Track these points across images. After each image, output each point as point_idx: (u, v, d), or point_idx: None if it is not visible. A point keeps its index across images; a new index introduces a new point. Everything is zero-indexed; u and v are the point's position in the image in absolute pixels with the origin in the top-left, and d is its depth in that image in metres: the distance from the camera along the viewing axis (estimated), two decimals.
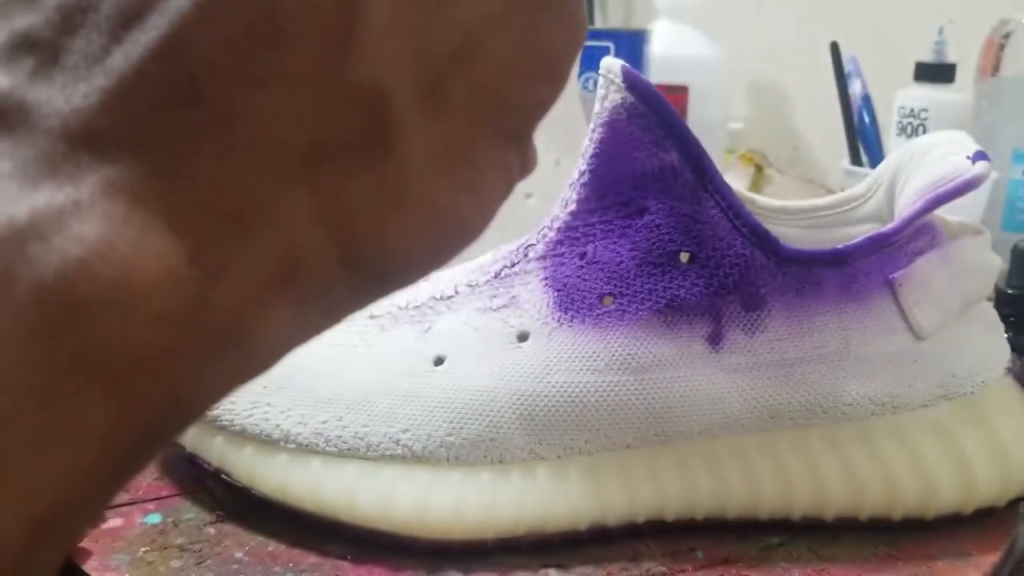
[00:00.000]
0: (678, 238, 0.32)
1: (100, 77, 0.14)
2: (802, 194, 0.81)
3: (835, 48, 0.74)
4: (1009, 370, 0.35)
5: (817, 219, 0.40)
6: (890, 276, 0.33)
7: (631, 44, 0.79)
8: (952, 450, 0.34)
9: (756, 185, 0.83)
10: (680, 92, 0.83)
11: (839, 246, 0.33)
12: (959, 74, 0.76)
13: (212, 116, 0.14)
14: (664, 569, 0.32)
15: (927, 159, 0.36)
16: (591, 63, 0.33)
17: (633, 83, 0.33)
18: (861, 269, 0.33)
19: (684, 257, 0.32)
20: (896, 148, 0.76)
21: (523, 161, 0.19)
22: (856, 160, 0.75)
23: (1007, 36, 0.70)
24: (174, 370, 0.14)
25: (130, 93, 0.14)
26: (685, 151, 0.33)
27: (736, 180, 0.83)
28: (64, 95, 0.14)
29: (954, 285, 0.34)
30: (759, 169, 0.84)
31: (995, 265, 0.36)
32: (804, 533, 0.34)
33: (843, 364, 0.33)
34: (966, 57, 0.77)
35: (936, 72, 0.75)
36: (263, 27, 0.14)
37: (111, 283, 0.13)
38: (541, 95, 0.18)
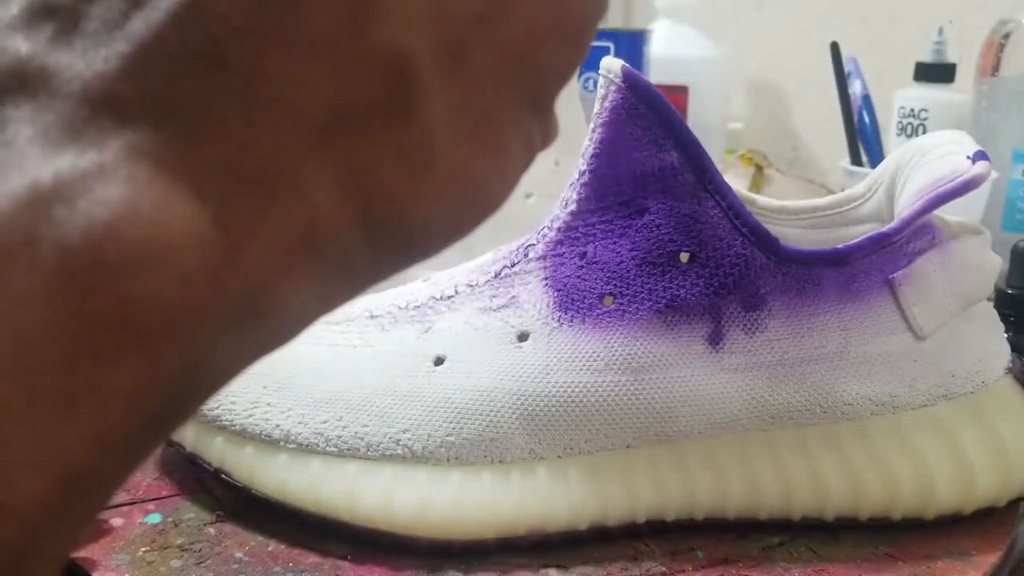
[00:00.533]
0: (678, 238, 0.32)
1: (121, 42, 0.14)
2: (802, 194, 0.81)
3: (835, 48, 0.74)
4: (1009, 370, 0.35)
5: (817, 219, 0.40)
6: (890, 276, 0.33)
7: (631, 44, 0.79)
8: (952, 450, 0.34)
9: (756, 185, 0.83)
10: (680, 92, 0.83)
11: (839, 246, 0.33)
12: (959, 74, 0.76)
13: (234, 81, 0.14)
14: (664, 569, 0.32)
15: (927, 159, 0.36)
16: (591, 63, 0.33)
17: (633, 83, 0.33)
18: (861, 269, 0.33)
19: (684, 257, 0.32)
20: (896, 148, 0.76)
21: (544, 130, 0.19)
22: (856, 160, 0.75)
23: (1007, 36, 0.70)
24: (199, 333, 0.14)
25: (151, 58, 0.14)
26: (685, 151, 0.33)
27: (736, 180, 0.83)
28: (85, 60, 0.14)
29: (954, 285, 0.34)
30: (759, 169, 0.84)
31: (995, 265, 0.36)
32: (804, 533, 0.34)
33: (843, 364, 0.33)
34: (966, 57, 0.77)
35: (936, 72, 0.75)
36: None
37: (136, 244, 0.13)
38: (564, 60, 0.18)
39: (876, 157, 0.76)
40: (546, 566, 0.32)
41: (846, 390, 0.33)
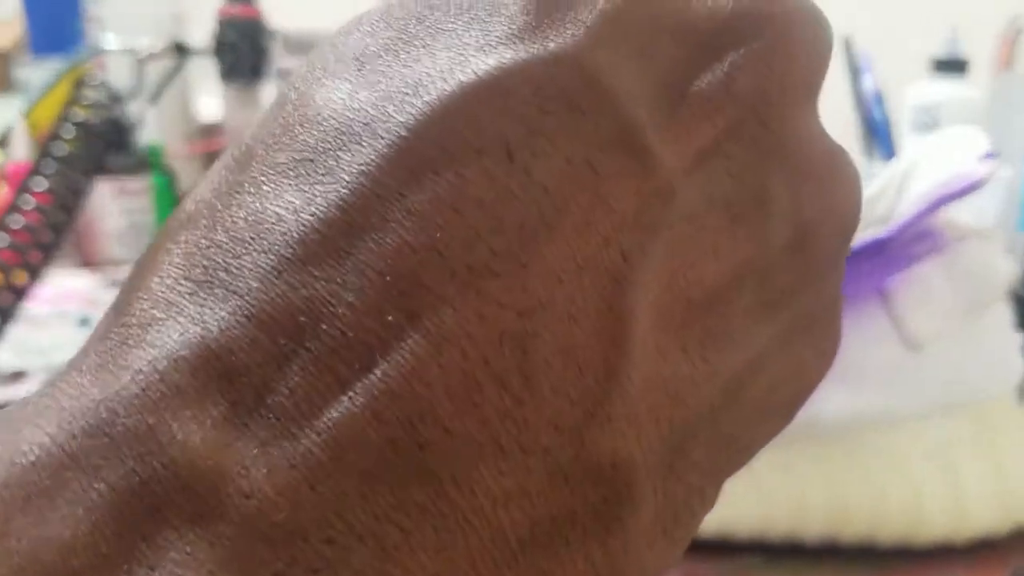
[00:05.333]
0: None
1: (311, 439, 0.11)
2: None
3: (847, 44, 0.73)
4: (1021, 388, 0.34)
5: None
6: (884, 282, 0.32)
7: None
8: (945, 471, 0.32)
9: None
10: None
11: None
12: (973, 70, 0.74)
13: (434, 497, 0.11)
14: None
15: (935, 159, 0.34)
16: None
17: None
18: (853, 274, 0.31)
19: None
20: (909, 144, 0.75)
21: None
22: (868, 156, 0.74)
23: (1020, 31, 0.69)
24: None
25: (347, 465, 0.11)
26: None
27: None
28: (265, 462, 0.11)
29: (956, 293, 0.33)
30: None
31: (1005, 272, 0.34)
32: (786, 555, 0.33)
33: (832, 378, 0.31)
34: (980, 53, 0.75)
35: (950, 68, 0.74)
36: (511, 379, 0.12)
37: None
38: (775, 431, 0.16)
39: (889, 153, 0.74)
40: None
41: (832, 402, 0.32)
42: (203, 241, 0.12)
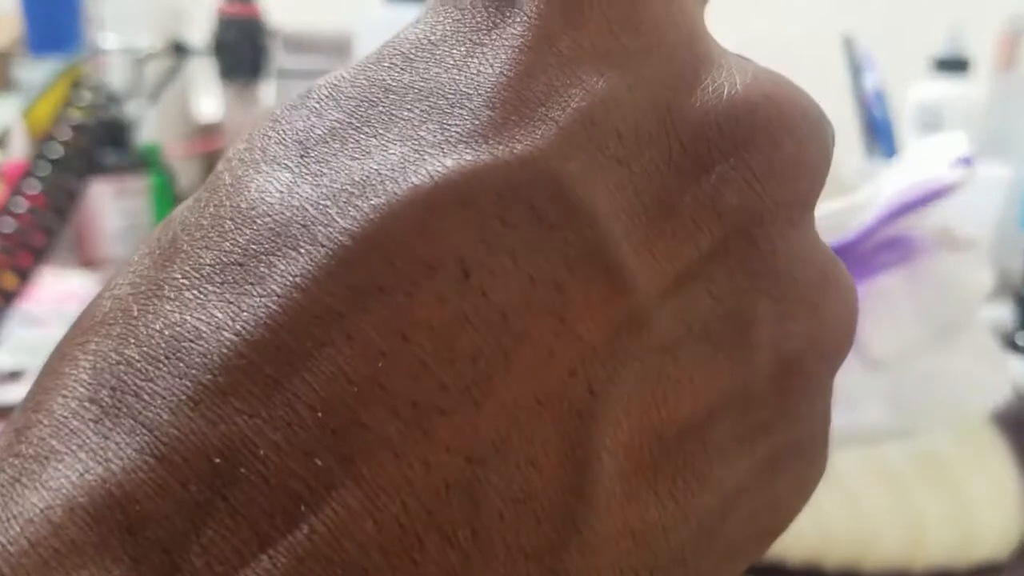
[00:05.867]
0: None
1: None
2: None
3: (849, 43, 0.73)
4: (999, 416, 0.31)
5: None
6: None
7: None
8: (898, 498, 0.30)
9: None
10: None
11: None
12: (974, 69, 0.74)
13: None
14: None
15: (914, 164, 0.33)
16: None
17: None
18: None
19: None
20: (910, 143, 0.75)
21: None
22: (870, 156, 0.73)
23: (1022, 31, 0.68)
24: None
25: None
26: None
27: None
28: None
29: (924, 307, 0.31)
30: None
31: (980, 285, 0.32)
32: None
33: None
34: (982, 52, 0.75)
35: (951, 67, 0.73)
36: (457, 533, 0.10)
37: None
38: (750, 562, 0.14)
39: (890, 153, 0.74)
40: None
41: None
42: (113, 355, 0.11)
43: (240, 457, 0.10)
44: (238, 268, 0.11)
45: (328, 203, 0.11)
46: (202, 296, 0.11)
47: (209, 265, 0.11)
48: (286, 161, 0.11)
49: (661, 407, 0.12)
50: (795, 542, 0.30)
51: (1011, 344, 0.54)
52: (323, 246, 0.10)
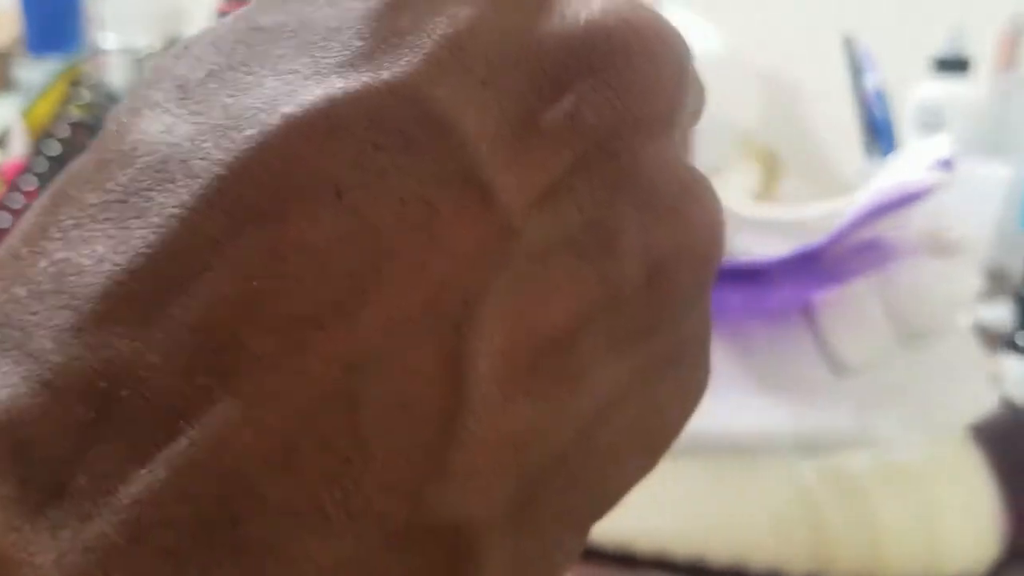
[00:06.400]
0: None
1: (109, 520, 0.10)
2: (813, 192, 0.79)
3: (849, 43, 0.73)
4: (978, 428, 0.30)
5: (807, 230, 0.34)
6: (809, 297, 0.29)
7: None
8: (859, 509, 0.29)
9: (767, 183, 0.82)
10: None
11: (752, 259, 0.30)
12: (975, 69, 0.74)
13: (250, 572, 0.10)
14: None
15: (897, 166, 0.32)
16: None
17: None
18: (775, 287, 0.29)
19: None
20: (911, 144, 0.75)
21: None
22: (871, 156, 0.73)
23: (1022, 30, 0.68)
24: None
25: (147, 547, 0.10)
26: None
27: (745, 178, 0.81)
28: (55, 547, 0.10)
29: (894, 314, 0.30)
30: (769, 167, 0.82)
31: (959, 293, 0.31)
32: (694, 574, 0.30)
33: (741, 391, 0.29)
34: (982, 52, 0.75)
35: (952, 67, 0.73)
36: (337, 440, 0.11)
37: None
38: (639, 474, 0.15)
39: (891, 153, 0.74)
40: None
41: (739, 420, 0.29)
42: (1, 296, 0.11)
43: (122, 380, 0.10)
44: (120, 205, 0.11)
45: (205, 138, 0.11)
46: (86, 233, 0.11)
47: (92, 205, 0.11)
48: (167, 104, 0.12)
49: (534, 314, 0.12)
50: (752, 546, 0.30)
51: (1011, 344, 0.54)
52: (199, 178, 0.11)
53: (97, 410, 0.10)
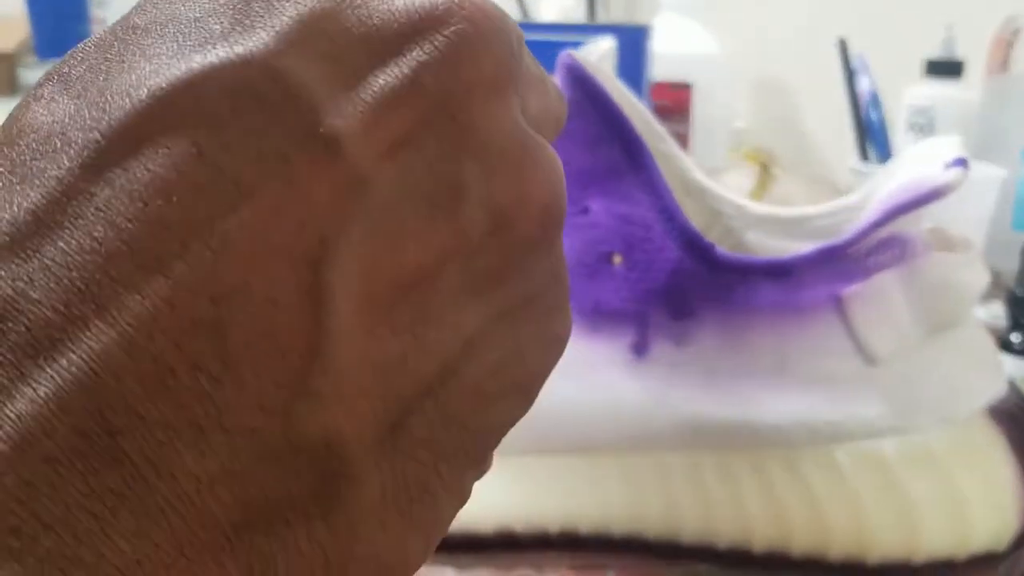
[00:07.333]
0: (611, 239, 0.31)
1: None
2: (809, 193, 0.79)
3: (843, 45, 0.73)
4: (993, 410, 0.32)
5: (810, 228, 0.37)
6: (840, 292, 0.31)
7: (633, 39, 0.77)
8: (893, 493, 0.31)
9: (762, 184, 0.82)
10: (683, 89, 0.81)
11: (783, 256, 0.31)
12: (968, 71, 0.74)
13: (130, 482, 0.11)
14: None
15: (908, 168, 0.33)
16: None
17: (577, 78, 0.32)
18: (806, 282, 0.31)
19: (617, 259, 0.31)
20: (905, 146, 0.75)
21: (480, 473, 0.17)
22: (864, 158, 0.73)
23: (1016, 33, 0.68)
24: None
25: (30, 456, 0.11)
26: (627, 149, 0.32)
27: (741, 179, 0.82)
28: None
29: (919, 306, 0.31)
30: (765, 168, 0.83)
31: (975, 286, 0.32)
32: (735, 565, 0.32)
33: (778, 384, 0.31)
34: (975, 54, 0.75)
35: (945, 69, 0.73)
36: (208, 363, 0.12)
37: None
38: (511, 415, 0.16)
39: (885, 155, 0.74)
40: (445, 565, 0.31)
41: (778, 412, 0.31)
42: None
43: (6, 313, 0.12)
44: (9, 176, 0.13)
45: (84, 112, 0.13)
46: None
47: None
48: (51, 95, 0.14)
49: (390, 256, 0.14)
50: (794, 532, 0.31)
51: (1004, 344, 0.54)
52: (76, 143, 0.13)
53: None
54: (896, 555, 0.31)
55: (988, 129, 0.69)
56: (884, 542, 0.31)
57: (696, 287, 0.31)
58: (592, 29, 0.72)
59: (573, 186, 0.32)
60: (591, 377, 0.31)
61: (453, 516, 0.16)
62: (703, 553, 0.32)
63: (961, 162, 0.31)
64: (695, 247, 0.31)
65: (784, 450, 0.31)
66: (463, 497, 0.16)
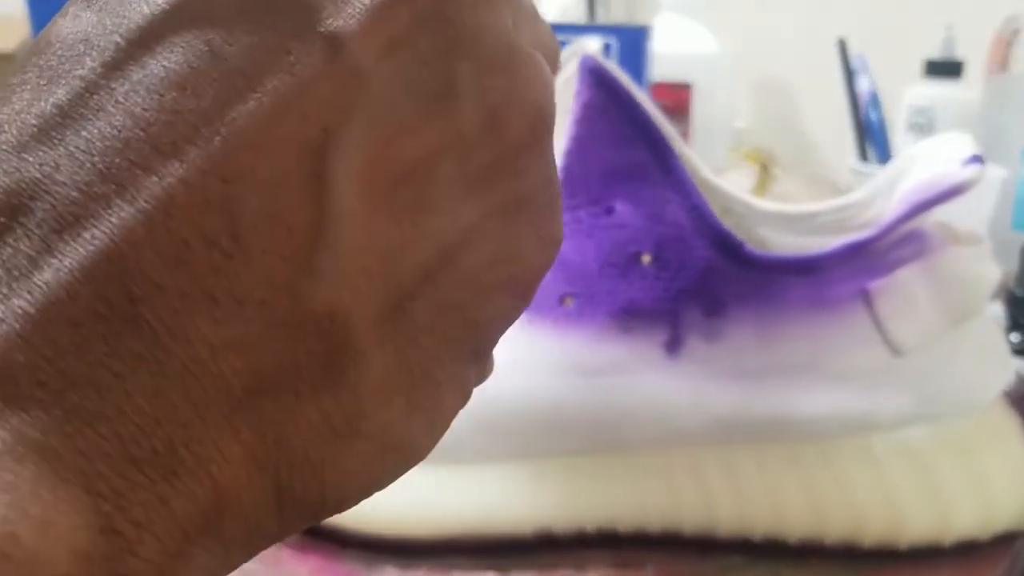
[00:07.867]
0: (641, 239, 0.32)
1: (23, 297, 0.12)
2: (809, 193, 0.80)
3: (843, 46, 0.73)
4: (1008, 395, 0.33)
5: (816, 224, 0.37)
6: (866, 286, 0.32)
7: (632, 40, 0.78)
8: (925, 478, 0.32)
9: (762, 184, 0.82)
10: (683, 90, 0.82)
11: (811, 252, 0.32)
12: (968, 71, 0.74)
13: (149, 345, 0.12)
14: None
15: (923, 164, 0.34)
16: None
17: (602, 79, 0.32)
18: (834, 277, 0.32)
19: (646, 259, 0.32)
20: (904, 146, 0.75)
21: (482, 372, 0.18)
22: (864, 158, 0.74)
23: (1015, 33, 0.69)
24: None
25: (56, 318, 0.12)
26: (654, 149, 0.32)
27: (742, 179, 0.82)
28: None
29: (941, 299, 0.32)
30: (765, 168, 0.83)
31: (991, 279, 0.33)
32: (769, 555, 0.32)
33: (810, 378, 0.32)
34: (975, 54, 0.76)
35: (945, 69, 0.74)
36: (220, 238, 0.13)
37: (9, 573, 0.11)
38: (508, 310, 0.17)
39: (884, 155, 0.75)
40: (488, 568, 0.32)
41: (811, 405, 0.31)
42: None
43: (34, 194, 0.13)
44: (36, 79, 0.14)
45: (105, 21, 0.14)
46: (8, 95, 0.14)
47: (16, 83, 0.14)
48: (76, 11, 0.15)
49: (388, 146, 0.15)
50: (829, 521, 0.32)
51: None
52: (98, 47, 0.14)
53: (13, 219, 0.13)
54: (927, 538, 0.32)
55: (988, 129, 0.69)
56: (916, 526, 0.32)
57: (727, 285, 0.31)
58: (592, 29, 0.73)
59: (597, 186, 0.32)
60: (624, 377, 0.31)
61: (455, 411, 0.17)
62: (739, 546, 0.33)
63: (977, 159, 0.31)
64: (726, 245, 0.31)
65: (819, 442, 0.32)
66: (464, 392, 0.17)
